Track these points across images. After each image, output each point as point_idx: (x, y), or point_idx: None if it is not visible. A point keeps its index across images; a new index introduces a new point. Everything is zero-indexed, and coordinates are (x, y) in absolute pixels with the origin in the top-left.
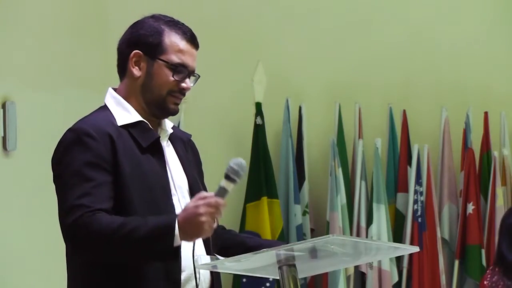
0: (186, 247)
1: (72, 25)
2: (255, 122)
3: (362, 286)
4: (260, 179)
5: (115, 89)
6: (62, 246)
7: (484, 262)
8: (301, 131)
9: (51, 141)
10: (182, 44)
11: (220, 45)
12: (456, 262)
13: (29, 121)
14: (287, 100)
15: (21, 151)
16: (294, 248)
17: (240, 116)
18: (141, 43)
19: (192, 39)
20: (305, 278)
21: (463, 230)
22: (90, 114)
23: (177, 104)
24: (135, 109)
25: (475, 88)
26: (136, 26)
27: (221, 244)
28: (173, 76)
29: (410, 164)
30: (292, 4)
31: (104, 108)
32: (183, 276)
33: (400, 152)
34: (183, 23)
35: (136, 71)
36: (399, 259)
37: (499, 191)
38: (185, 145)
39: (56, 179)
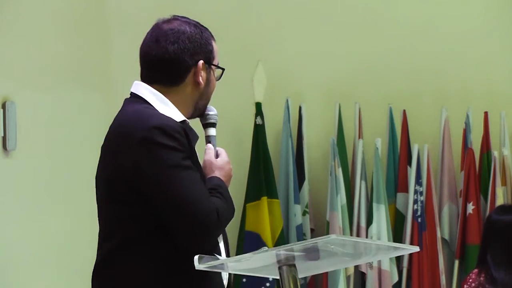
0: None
1: (72, 25)
2: (255, 122)
3: (362, 286)
4: (260, 179)
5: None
6: (62, 246)
7: None
8: (301, 131)
9: (51, 141)
10: (216, 45)
11: (220, 45)
12: (456, 262)
13: (29, 121)
14: (287, 100)
15: (21, 151)
16: (294, 248)
17: (240, 116)
18: (202, 51)
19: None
20: (305, 278)
21: (463, 230)
22: (145, 109)
23: None
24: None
25: (475, 88)
26: (183, 34)
27: None
28: (217, 80)
29: (410, 164)
30: (292, 4)
31: (145, 102)
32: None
33: (400, 152)
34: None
35: (202, 82)
36: (399, 259)
37: (499, 191)
38: None
39: (159, 176)
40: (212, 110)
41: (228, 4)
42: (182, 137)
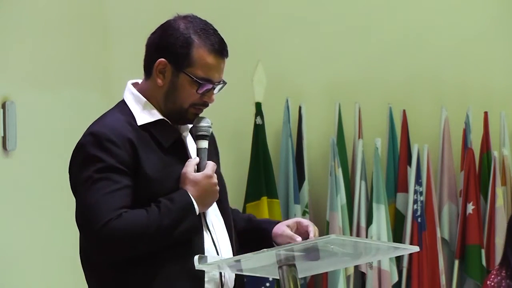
0: (209, 244)
1: (72, 25)
2: (255, 122)
3: (362, 286)
4: (260, 179)
5: (135, 84)
6: (62, 245)
7: (484, 262)
8: (301, 131)
9: (51, 141)
10: (210, 58)
11: None
12: (456, 262)
13: (29, 121)
14: (287, 100)
15: (21, 151)
16: (294, 248)
17: (240, 116)
18: (169, 52)
19: (220, 51)
20: (305, 278)
21: (463, 230)
22: (107, 113)
23: (198, 114)
24: (155, 107)
25: (475, 88)
26: (167, 31)
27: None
28: (197, 91)
29: (410, 164)
30: (292, 4)
31: (123, 105)
32: (207, 276)
33: (400, 152)
34: (214, 31)
35: (160, 80)
36: (399, 259)
37: (499, 191)
38: None
39: (76, 183)
40: (203, 122)
41: (228, 4)
42: (113, 146)
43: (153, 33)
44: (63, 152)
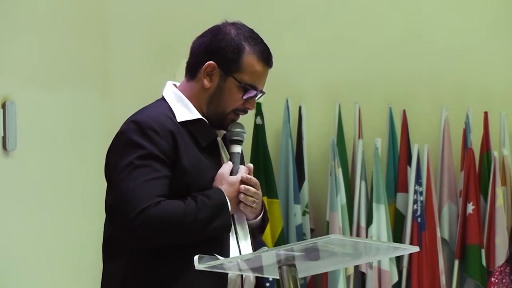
0: (233, 246)
1: (72, 25)
2: (255, 122)
3: (362, 286)
4: (260, 179)
5: (175, 85)
6: (62, 245)
7: (484, 262)
8: (301, 131)
9: (51, 141)
10: (258, 66)
11: None
12: (456, 262)
13: (29, 121)
14: (287, 100)
15: (21, 151)
16: (294, 248)
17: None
18: (219, 55)
19: (268, 60)
20: (305, 278)
21: (463, 230)
22: (148, 106)
23: (235, 120)
24: (195, 107)
25: (475, 88)
26: (217, 35)
27: None
28: (242, 97)
29: (410, 164)
30: (292, 4)
31: (162, 101)
32: (230, 275)
33: (400, 152)
34: (262, 40)
35: (207, 82)
36: (398, 259)
37: (499, 191)
38: None
39: (114, 169)
40: (239, 127)
41: (228, 4)
42: (156, 135)
43: (201, 36)
44: (63, 152)
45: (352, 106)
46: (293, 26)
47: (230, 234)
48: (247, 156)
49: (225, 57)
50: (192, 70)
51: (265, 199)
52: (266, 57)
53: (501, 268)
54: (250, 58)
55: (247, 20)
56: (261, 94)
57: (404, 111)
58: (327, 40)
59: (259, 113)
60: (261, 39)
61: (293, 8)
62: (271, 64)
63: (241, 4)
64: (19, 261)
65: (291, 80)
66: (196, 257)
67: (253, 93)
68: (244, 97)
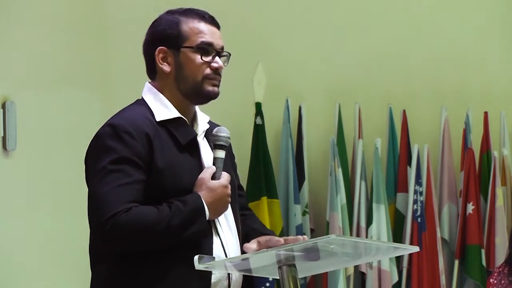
0: (218, 248)
1: (72, 25)
2: (255, 122)
3: (362, 286)
4: (260, 179)
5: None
6: (62, 245)
7: (484, 262)
8: (301, 131)
9: (51, 141)
10: (201, 25)
11: None
12: (456, 262)
13: (29, 121)
14: (287, 100)
15: (21, 151)
16: (294, 248)
17: (240, 116)
18: (163, 38)
19: (211, 20)
20: (305, 278)
21: (463, 230)
22: (127, 107)
23: (216, 86)
24: (173, 105)
25: (475, 88)
26: (153, 25)
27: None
28: (201, 58)
29: (410, 164)
30: (292, 4)
31: (142, 102)
32: (214, 277)
33: (400, 152)
34: (198, 8)
35: (165, 67)
36: (398, 259)
37: (499, 191)
38: None
39: (90, 173)
40: (222, 132)
41: (228, 4)
42: (131, 138)
43: (144, 40)
44: (62, 152)
45: (352, 106)
46: (294, 26)
47: (214, 236)
48: (247, 156)
49: (167, 36)
50: (151, 69)
51: (265, 199)
52: (203, 16)
53: (500, 269)
54: (189, 24)
55: (247, 21)
56: (226, 54)
57: (404, 111)
58: (327, 40)
59: (259, 113)
60: (198, 9)
61: (293, 8)
62: (217, 24)
63: (241, 5)
64: (19, 261)
65: (291, 80)
66: (196, 257)
67: (210, 50)
68: (204, 58)
